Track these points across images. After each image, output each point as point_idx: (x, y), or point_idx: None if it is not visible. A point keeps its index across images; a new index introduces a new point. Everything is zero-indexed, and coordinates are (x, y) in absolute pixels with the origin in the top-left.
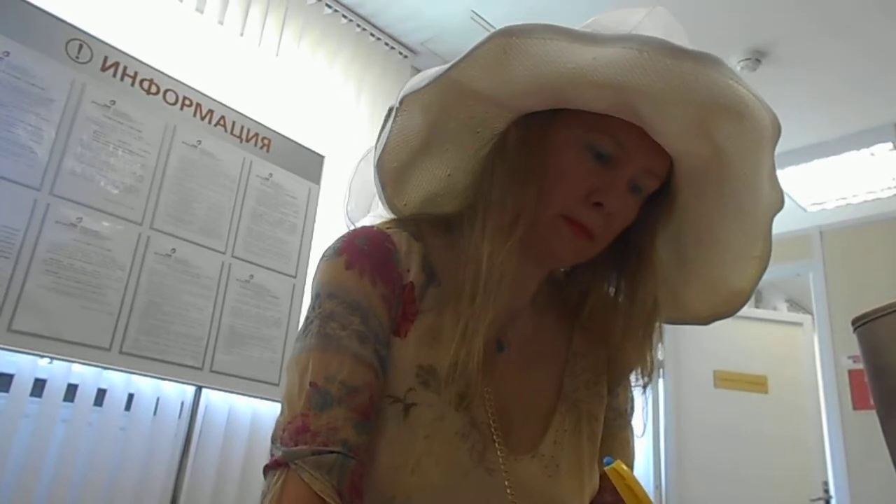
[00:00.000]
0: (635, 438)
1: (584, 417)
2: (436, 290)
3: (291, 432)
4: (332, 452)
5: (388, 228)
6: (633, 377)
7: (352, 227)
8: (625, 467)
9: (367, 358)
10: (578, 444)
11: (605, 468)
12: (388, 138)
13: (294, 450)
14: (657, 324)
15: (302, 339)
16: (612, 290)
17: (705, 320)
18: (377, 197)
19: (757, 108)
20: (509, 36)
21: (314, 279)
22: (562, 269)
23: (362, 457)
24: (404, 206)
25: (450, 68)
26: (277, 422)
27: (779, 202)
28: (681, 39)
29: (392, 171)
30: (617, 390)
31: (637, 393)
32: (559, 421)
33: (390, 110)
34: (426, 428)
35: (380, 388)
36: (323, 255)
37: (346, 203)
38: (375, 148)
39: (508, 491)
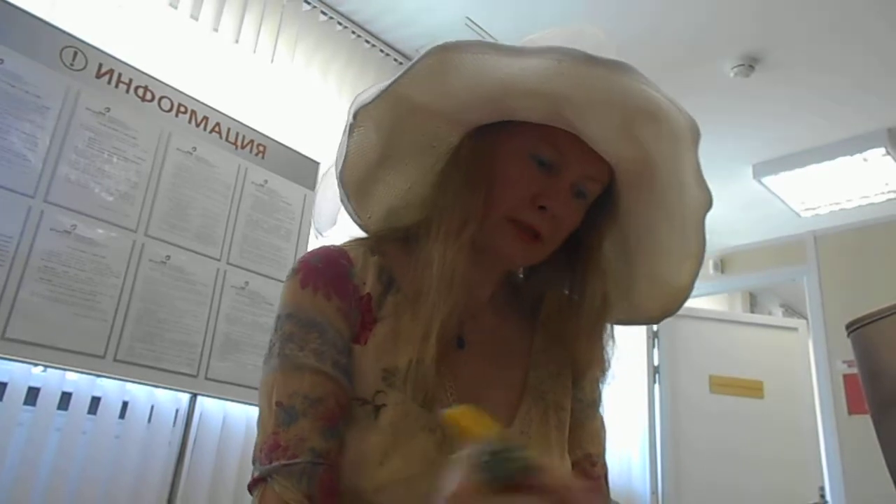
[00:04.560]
0: (606, 428)
1: (550, 407)
2: (394, 297)
3: (266, 451)
4: (300, 462)
5: (346, 245)
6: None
7: (319, 238)
8: (457, 411)
9: (326, 370)
10: (546, 433)
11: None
12: (346, 152)
13: (269, 466)
14: (606, 321)
15: (267, 362)
16: (567, 292)
17: (657, 318)
18: (342, 208)
19: (672, 112)
20: (444, 51)
21: (279, 299)
22: (520, 274)
23: (333, 459)
24: (369, 218)
25: (392, 83)
26: (255, 444)
27: (707, 201)
28: (607, 52)
29: (353, 185)
30: (582, 383)
31: (636, 397)
32: (525, 411)
33: (349, 127)
34: (393, 425)
35: (345, 394)
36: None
37: (314, 214)
38: (336, 162)
39: None
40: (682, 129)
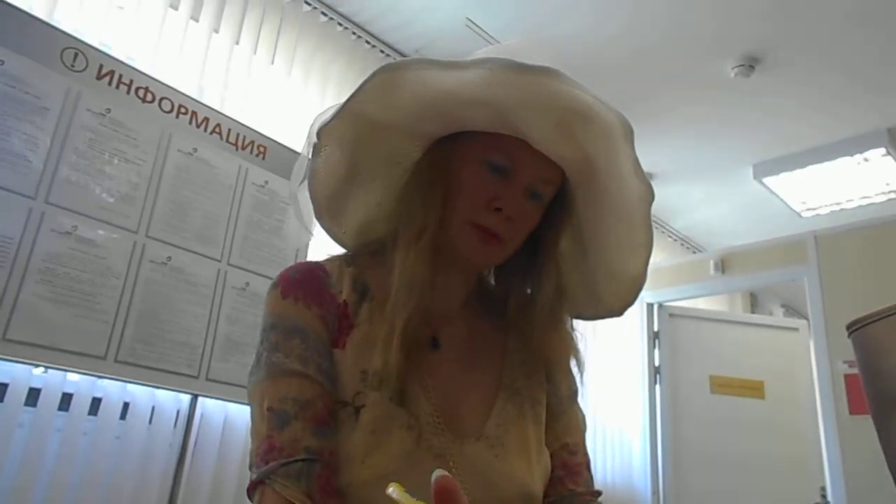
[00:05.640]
0: (585, 419)
1: (526, 402)
2: (369, 304)
3: (262, 455)
4: (297, 461)
5: (322, 260)
6: (573, 365)
7: (307, 235)
8: (394, 492)
9: (312, 374)
10: (523, 426)
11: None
12: (315, 171)
13: (266, 468)
14: (564, 312)
15: (255, 373)
16: (529, 291)
17: (618, 311)
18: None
19: (602, 110)
20: (388, 70)
21: (263, 313)
22: (491, 280)
23: (328, 458)
24: (343, 233)
25: (347, 102)
26: (251, 451)
27: (647, 192)
28: (540, 61)
29: (326, 201)
30: (555, 377)
31: (636, 397)
32: (501, 406)
33: (314, 146)
34: (373, 424)
35: (330, 397)
36: (267, 290)
37: (301, 210)
38: (297, 177)
39: (454, 471)
40: (613, 126)
